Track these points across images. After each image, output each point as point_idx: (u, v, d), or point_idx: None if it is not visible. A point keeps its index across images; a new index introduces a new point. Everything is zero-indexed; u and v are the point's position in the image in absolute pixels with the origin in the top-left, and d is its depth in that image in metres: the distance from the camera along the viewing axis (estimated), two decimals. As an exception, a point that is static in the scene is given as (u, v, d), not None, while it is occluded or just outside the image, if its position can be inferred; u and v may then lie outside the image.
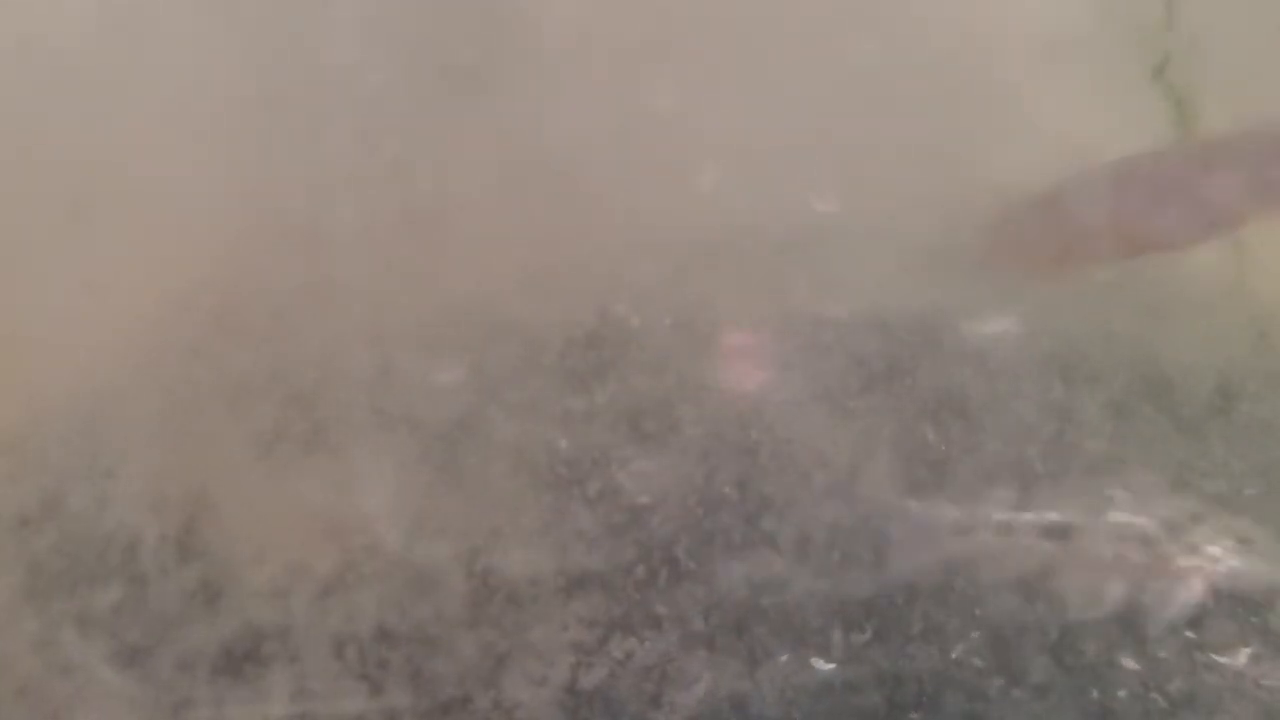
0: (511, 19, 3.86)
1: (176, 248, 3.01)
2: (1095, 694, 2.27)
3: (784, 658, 2.36)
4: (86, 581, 2.57)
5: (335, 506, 2.62)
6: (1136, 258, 2.92)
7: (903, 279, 3.41)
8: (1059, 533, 2.51)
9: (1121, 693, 2.25)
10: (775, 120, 3.71)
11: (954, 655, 2.36)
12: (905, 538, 2.58)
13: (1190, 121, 3.19)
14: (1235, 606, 2.41)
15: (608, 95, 3.53)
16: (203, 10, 3.32)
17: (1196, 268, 3.22)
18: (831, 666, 2.34)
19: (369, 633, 2.46)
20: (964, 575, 2.49)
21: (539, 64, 3.67)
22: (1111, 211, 2.85)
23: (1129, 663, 2.30)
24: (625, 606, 2.51)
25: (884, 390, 3.11)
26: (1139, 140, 3.29)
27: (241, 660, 2.46)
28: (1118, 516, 2.55)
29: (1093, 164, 2.97)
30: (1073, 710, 2.26)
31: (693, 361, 3.22)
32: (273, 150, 3.44)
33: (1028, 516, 2.57)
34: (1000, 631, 2.39)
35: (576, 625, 2.42)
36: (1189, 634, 2.35)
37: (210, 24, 3.35)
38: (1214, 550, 2.40)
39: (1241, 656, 2.29)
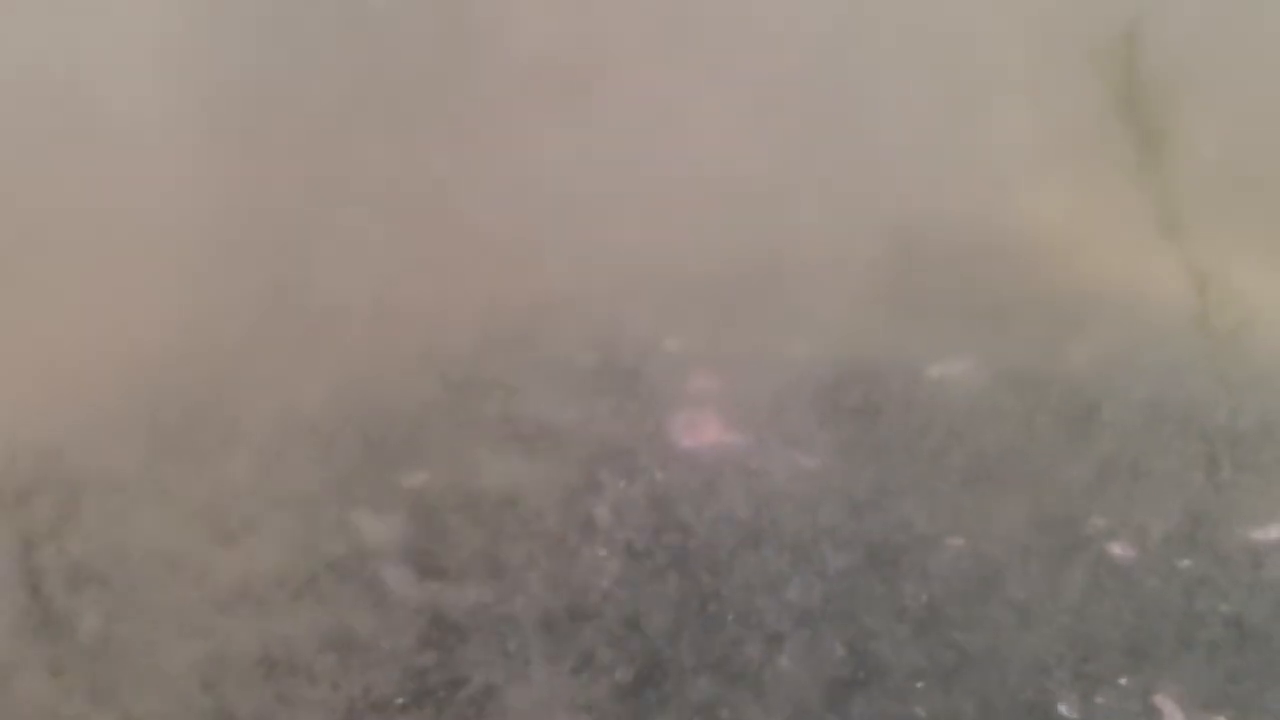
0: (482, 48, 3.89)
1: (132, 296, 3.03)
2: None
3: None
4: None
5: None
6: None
7: (864, 317, 3.43)
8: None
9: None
10: (739, 156, 3.72)
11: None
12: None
13: (1157, 154, 3.18)
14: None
15: (558, 134, 3.55)
16: (154, 44, 3.33)
17: (1159, 303, 3.23)
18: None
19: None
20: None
21: (497, 102, 3.70)
22: None
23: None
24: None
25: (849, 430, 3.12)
26: (1104, 175, 3.30)
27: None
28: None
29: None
30: None
31: (654, 401, 3.24)
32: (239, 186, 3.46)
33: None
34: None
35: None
36: None
37: (159, 59, 3.36)
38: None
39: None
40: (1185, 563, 2.58)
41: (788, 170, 3.65)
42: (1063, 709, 2.29)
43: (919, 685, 2.38)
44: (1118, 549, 2.64)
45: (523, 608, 2.58)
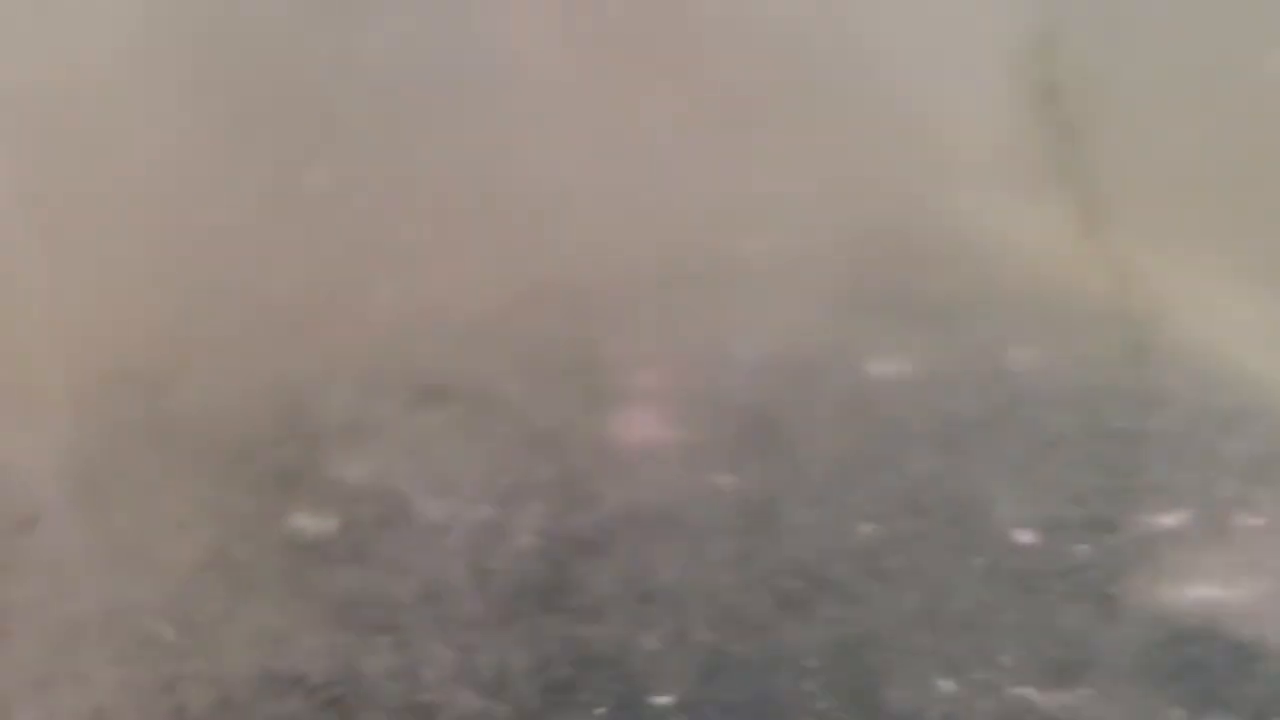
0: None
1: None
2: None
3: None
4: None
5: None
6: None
7: (810, 318, 3.51)
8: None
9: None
10: (686, 161, 3.82)
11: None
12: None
13: (1078, 154, 3.25)
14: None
15: (514, 132, 3.65)
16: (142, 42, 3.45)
17: (1084, 300, 3.29)
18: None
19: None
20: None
21: (460, 97, 3.80)
22: None
23: None
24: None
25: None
26: (1032, 178, 3.36)
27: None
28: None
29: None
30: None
31: (595, 401, 3.34)
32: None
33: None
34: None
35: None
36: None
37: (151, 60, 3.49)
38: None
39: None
40: (1082, 548, 2.64)
41: (737, 177, 3.74)
42: (943, 685, 2.36)
43: (811, 664, 2.46)
44: (1021, 536, 2.70)
45: (437, 592, 2.68)
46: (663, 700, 2.41)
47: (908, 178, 3.53)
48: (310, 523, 2.91)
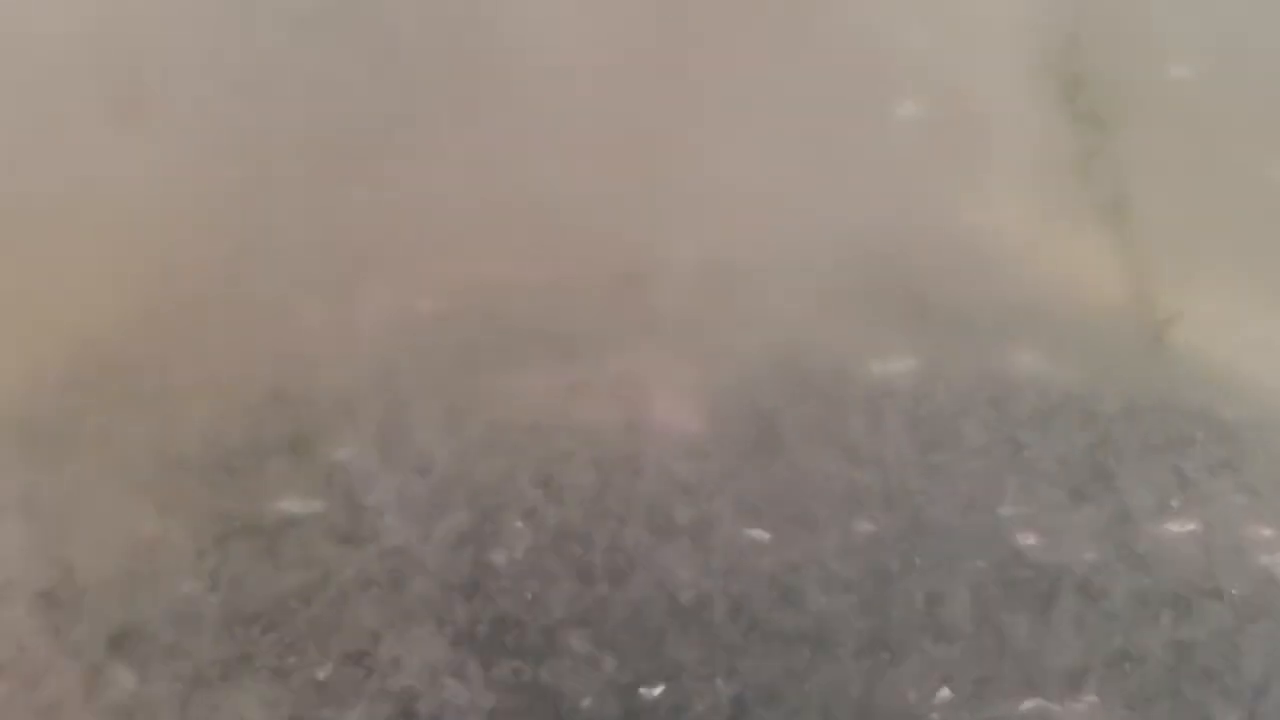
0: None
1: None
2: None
3: None
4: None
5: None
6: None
7: (822, 319, 3.44)
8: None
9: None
10: (700, 158, 3.75)
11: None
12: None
13: (1097, 142, 3.18)
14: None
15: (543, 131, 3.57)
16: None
17: (1093, 281, 3.22)
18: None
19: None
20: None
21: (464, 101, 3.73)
22: None
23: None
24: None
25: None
26: (1052, 178, 3.30)
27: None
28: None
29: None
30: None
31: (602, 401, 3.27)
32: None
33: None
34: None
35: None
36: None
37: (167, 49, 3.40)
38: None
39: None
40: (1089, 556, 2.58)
41: (758, 180, 3.67)
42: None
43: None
44: (1027, 539, 2.64)
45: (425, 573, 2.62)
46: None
47: (925, 176, 3.45)
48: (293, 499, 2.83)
